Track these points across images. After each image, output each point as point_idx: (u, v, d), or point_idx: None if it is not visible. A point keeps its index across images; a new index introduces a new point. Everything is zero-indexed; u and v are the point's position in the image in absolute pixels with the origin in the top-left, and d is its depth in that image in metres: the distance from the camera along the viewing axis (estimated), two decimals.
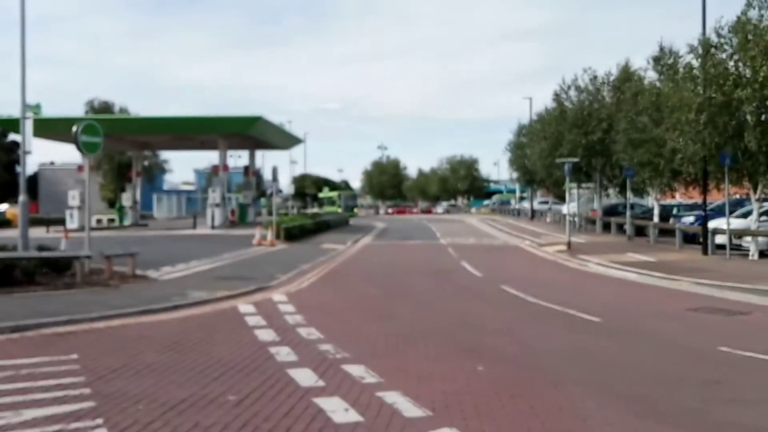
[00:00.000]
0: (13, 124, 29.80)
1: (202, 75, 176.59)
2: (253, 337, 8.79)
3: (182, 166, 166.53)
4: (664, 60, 25.54)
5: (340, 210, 71.20)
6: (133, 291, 12.57)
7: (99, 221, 43.68)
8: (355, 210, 77.01)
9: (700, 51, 20.97)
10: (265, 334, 8.92)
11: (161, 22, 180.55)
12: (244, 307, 11.30)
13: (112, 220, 44.66)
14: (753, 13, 19.69)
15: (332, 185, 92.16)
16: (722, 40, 20.36)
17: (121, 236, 29.83)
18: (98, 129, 14.87)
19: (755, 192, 21.30)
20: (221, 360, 7.46)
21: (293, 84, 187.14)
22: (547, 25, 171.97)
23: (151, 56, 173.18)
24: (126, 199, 43.93)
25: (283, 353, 7.78)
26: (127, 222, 42.55)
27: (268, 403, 5.83)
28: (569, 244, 24.68)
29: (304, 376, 6.72)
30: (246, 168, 48.11)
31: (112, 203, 55.06)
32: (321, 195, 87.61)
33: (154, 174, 61.62)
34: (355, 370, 6.98)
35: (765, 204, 22.92)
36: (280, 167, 37.60)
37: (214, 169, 42.42)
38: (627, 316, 11.28)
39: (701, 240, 22.47)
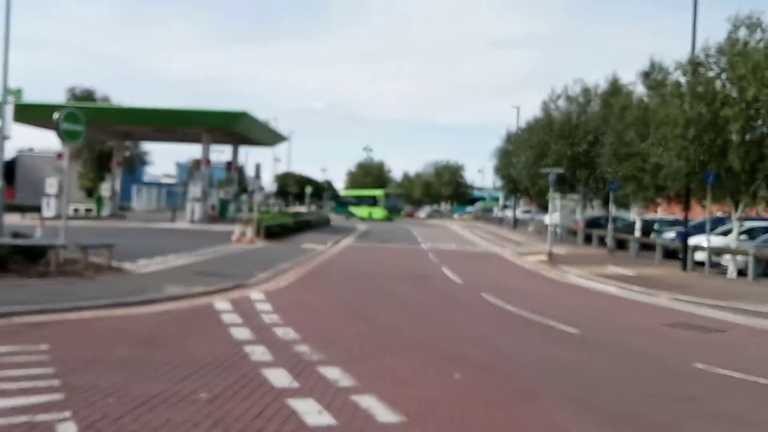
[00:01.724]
0: None
1: (189, 67, 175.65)
2: (228, 335, 8.68)
3: (164, 159, 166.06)
4: (653, 75, 25.74)
5: (382, 212, 61.47)
6: (108, 283, 12.37)
7: (76, 211, 43.09)
8: (402, 213, 65.86)
9: (689, 69, 21.21)
10: (241, 333, 8.82)
11: (149, 11, 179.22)
12: (221, 304, 11.18)
13: (89, 210, 44.11)
14: (741, 34, 19.98)
15: (315, 185, 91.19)
16: (710, 60, 20.63)
17: (98, 227, 29.44)
18: (80, 117, 14.64)
19: (736, 210, 21.55)
20: (195, 357, 7.35)
21: (281, 81, 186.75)
22: (538, 34, 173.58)
23: (137, 45, 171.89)
24: (105, 189, 43.37)
25: (259, 352, 7.69)
26: (104, 212, 42.04)
27: (241, 402, 5.74)
28: (550, 255, 24.79)
29: (279, 377, 6.63)
30: (229, 163, 47.80)
31: (91, 193, 54.37)
32: (345, 193, 74.63)
33: (134, 165, 60.93)
34: (331, 372, 6.91)
35: (745, 223, 23.24)
36: (264, 164, 37.62)
37: (196, 163, 42.14)
38: (605, 329, 11.33)
39: (681, 256, 22.71)
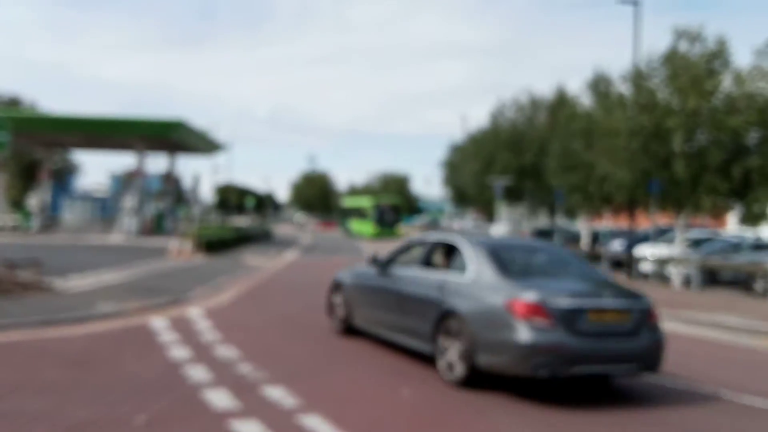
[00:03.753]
0: None
1: (126, 74, 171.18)
2: (165, 355, 8.33)
3: (97, 170, 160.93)
4: (598, 86, 26.04)
5: (370, 227, 50.18)
6: (35, 301, 11.74)
7: (1, 227, 41.12)
8: (398, 229, 52.44)
9: (631, 80, 21.66)
10: (180, 352, 8.48)
11: (80, 16, 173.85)
12: (158, 322, 10.76)
13: (15, 228, 42.11)
14: (681, 45, 20.54)
15: (256, 196, 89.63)
16: (652, 71, 21.12)
17: (25, 242, 28.14)
18: (6, 125, 13.94)
19: (680, 220, 22.04)
20: (130, 378, 7.01)
21: (221, 87, 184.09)
22: (485, 44, 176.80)
23: (69, 51, 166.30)
24: (33, 201, 41.53)
25: (199, 372, 7.40)
26: (33, 226, 40.23)
27: (180, 425, 5.49)
28: None
29: (220, 398, 6.38)
30: (165, 174, 46.59)
31: (19, 206, 52.02)
32: (348, 204, 61.14)
33: (65, 176, 58.69)
34: (275, 391, 6.70)
35: (689, 232, 23.78)
36: (203, 174, 36.84)
37: (131, 174, 40.84)
38: None
39: (627, 266, 23.07)
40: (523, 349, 6.71)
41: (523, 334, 6.74)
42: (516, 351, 6.77)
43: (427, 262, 8.83)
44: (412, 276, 8.74)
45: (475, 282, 7.58)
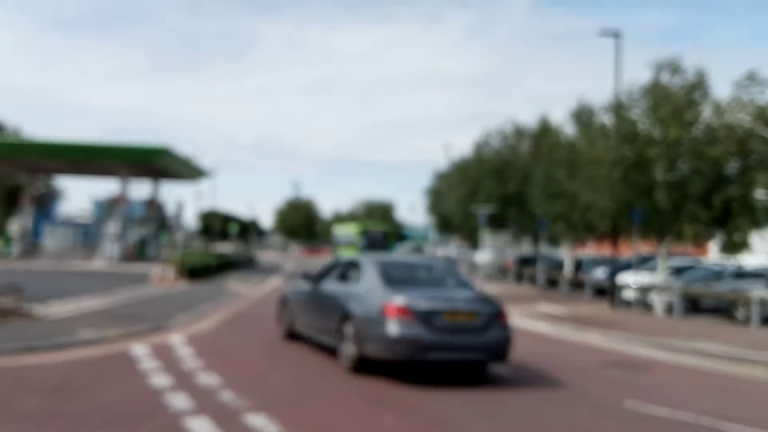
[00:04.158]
0: None
1: (109, 99, 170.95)
2: (147, 382, 8.23)
3: (79, 196, 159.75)
4: (581, 116, 26.28)
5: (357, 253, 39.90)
6: (14, 328, 11.58)
7: None
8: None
9: (612, 111, 21.96)
10: (161, 379, 8.38)
11: (65, 42, 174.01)
12: (139, 349, 10.64)
13: None
14: (662, 77, 20.90)
15: (240, 222, 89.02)
16: (633, 102, 21.46)
17: (5, 268, 27.76)
18: None
19: (662, 248, 22.22)
20: (111, 406, 6.91)
21: (207, 113, 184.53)
22: (468, 74, 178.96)
23: (53, 76, 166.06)
24: (14, 227, 41.06)
25: (180, 400, 7.32)
26: (13, 252, 39.73)
27: None
28: None
29: (202, 426, 6.31)
30: (148, 200, 46.34)
31: None
32: (338, 230, 56.03)
33: (47, 202, 58.17)
34: (257, 419, 6.64)
35: (671, 261, 23.97)
36: (187, 200, 36.74)
37: (114, 200, 40.61)
38: (536, 368, 11.45)
39: (610, 294, 23.16)
40: (391, 340, 8.88)
41: (392, 328, 8.90)
42: (386, 341, 8.93)
43: (341, 277, 11.09)
44: (331, 288, 10.96)
45: (366, 291, 9.80)
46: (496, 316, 9.46)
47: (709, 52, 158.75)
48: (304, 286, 12.06)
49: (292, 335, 12.33)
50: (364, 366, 9.35)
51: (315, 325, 11.22)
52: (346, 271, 11.07)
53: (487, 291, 25.17)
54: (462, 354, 9.22)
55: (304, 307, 11.87)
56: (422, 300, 9.11)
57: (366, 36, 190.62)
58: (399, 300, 9.02)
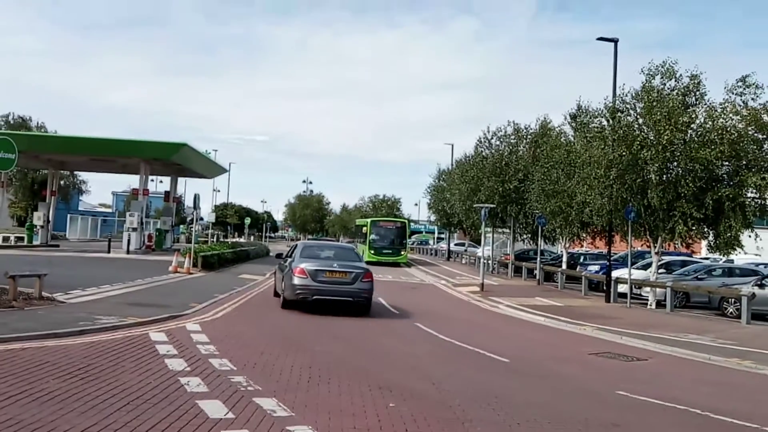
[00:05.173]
0: None
1: (130, 99, 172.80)
2: (163, 367, 8.61)
3: (100, 188, 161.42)
4: (579, 118, 27.22)
5: (367, 249, 41.18)
6: (38, 314, 12.06)
7: (6, 239, 41.47)
8: (404, 252, 43.91)
9: (609, 114, 22.54)
10: (176, 364, 8.77)
11: (87, 44, 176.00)
12: (156, 335, 11.05)
13: (20, 239, 42.46)
14: (656, 81, 21.41)
15: (254, 216, 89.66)
16: (628, 105, 21.99)
17: (29, 256, 28.45)
18: (13, 145, 14.38)
19: (655, 245, 22.73)
20: (129, 389, 7.28)
21: (223, 113, 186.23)
22: (472, 78, 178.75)
23: (76, 77, 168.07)
24: (37, 218, 41.91)
25: (194, 384, 7.69)
26: (37, 242, 40.57)
27: None
28: (482, 286, 25.38)
29: (214, 408, 6.65)
30: (167, 193, 47.00)
31: (23, 221, 52.37)
32: (358, 223, 52.70)
33: (69, 194, 59.14)
34: (267, 403, 6.98)
35: (664, 257, 24.61)
36: (203, 194, 37.21)
37: (134, 193, 41.24)
38: (534, 357, 11.74)
39: (605, 288, 23.70)
40: (294, 287, 15.38)
41: (295, 281, 15.34)
42: (291, 288, 15.46)
43: (289, 255, 17.48)
44: (285, 262, 17.02)
45: (292, 261, 16.15)
46: (362, 275, 15.62)
47: (704, 58, 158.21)
48: (280, 261, 18.37)
49: (277, 295, 17.57)
50: (287, 305, 15.64)
51: (279, 285, 17.38)
52: (292, 251, 17.59)
53: (486, 283, 25.60)
54: (337, 297, 15.38)
55: (276, 275, 18.81)
56: (314, 265, 15.56)
57: (374, 41, 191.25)
58: (300, 264, 15.46)
